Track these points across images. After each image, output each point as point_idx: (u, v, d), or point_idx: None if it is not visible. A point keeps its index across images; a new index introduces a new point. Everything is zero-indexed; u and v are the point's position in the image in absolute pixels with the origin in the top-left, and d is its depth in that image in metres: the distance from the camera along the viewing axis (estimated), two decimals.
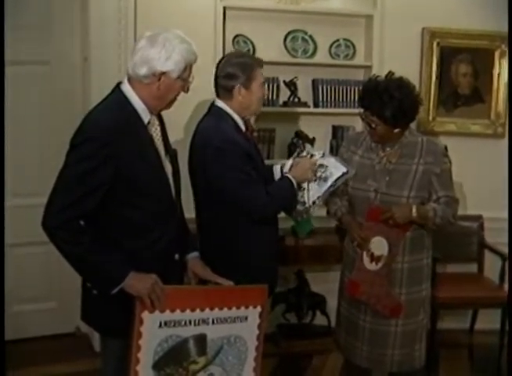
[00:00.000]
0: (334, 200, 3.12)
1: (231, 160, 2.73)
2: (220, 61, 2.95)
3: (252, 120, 3.40)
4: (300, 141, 4.31)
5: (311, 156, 2.95)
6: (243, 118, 2.90)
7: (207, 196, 2.87)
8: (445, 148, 3.12)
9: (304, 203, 2.93)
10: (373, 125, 2.90)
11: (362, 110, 2.96)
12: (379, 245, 2.93)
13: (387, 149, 2.98)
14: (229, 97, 2.85)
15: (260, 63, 2.90)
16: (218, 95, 2.91)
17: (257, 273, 2.79)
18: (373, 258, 2.94)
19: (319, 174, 2.90)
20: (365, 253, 2.96)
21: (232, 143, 2.74)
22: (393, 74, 2.98)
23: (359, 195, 3.01)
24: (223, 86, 2.86)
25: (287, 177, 2.84)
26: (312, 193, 2.90)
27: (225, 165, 2.73)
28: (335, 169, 2.90)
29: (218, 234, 2.88)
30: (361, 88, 3.03)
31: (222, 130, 2.79)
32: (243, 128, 2.89)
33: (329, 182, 2.88)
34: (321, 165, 2.91)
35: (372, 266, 2.95)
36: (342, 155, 3.10)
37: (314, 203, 2.90)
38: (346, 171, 2.89)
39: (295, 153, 3.05)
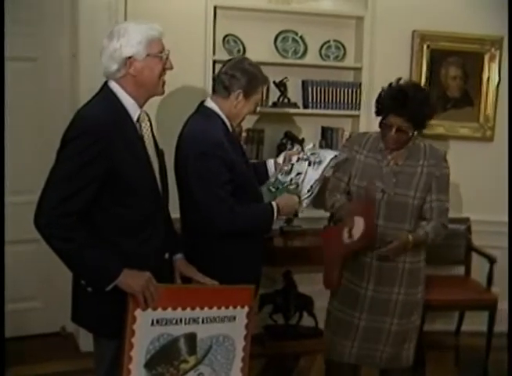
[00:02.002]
0: (334, 194, 3.14)
1: (212, 167, 2.68)
2: (230, 60, 2.92)
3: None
4: (289, 141, 4.31)
5: (302, 149, 2.99)
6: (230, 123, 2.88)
7: (192, 198, 2.84)
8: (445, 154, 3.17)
9: (297, 184, 2.92)
10: (395, 133, 2.93)
11: (382, 119, 2.98)
12: (356, 228, 2.92)
13: (394, 152, 3.03)
14: (225, 96, 2.81)
15: (266, 81, 2.92)
16: (213, 91, 2.89)
17: (241, 275, 2.78)
18: (349, 234, 2.95)
19: (312, 159, 2.93)
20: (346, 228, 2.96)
21: (218, 149, 2.69)
22: (401, 78, 3.07)
23: (364, 194, 3.03)
24: (224, 84, 2.81)
25: (271, 205, 2.80)
26: (309, 177, 2.91)
27: (204, 172, 2.69)
28: (327, 153, 2.96)
29: (202, 236, 2.84)
30: (400, 96, 2.96)
31: (211, 134, 2.74)
32: (230, 129, 2.86)
33: (324, 164, 2.91)
34: (313, 153, 2.95)
35: (345, 239, 2.95)
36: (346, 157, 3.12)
37: (312, 187, 2.90)
38: (338, 154, 2.96)
39: (287, 149, 3.07)
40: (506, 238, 4.62)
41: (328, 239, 3.09)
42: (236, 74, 2.80)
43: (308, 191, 2.91)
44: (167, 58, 2.40)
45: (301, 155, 2.97)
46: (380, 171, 3.03)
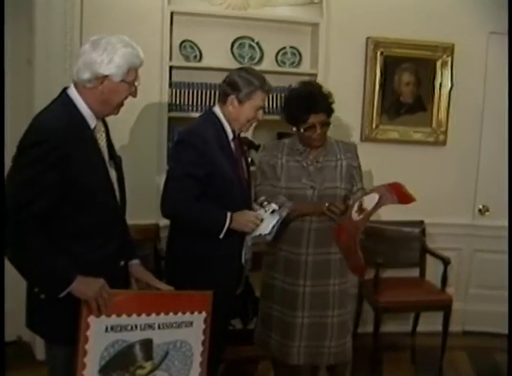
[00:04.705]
0: (277, 197, 3.20)
1: (184, 154, 2.86)
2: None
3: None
4: (246, 147, 4.32)
5: (261, 204, 3.00)
6: (233, 129, 3.00)
7: None
8: None
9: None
10: (320, 130, 3.15)
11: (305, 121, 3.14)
12: (370, 200, 3.05)
13: (313, 151, 3.25)
14: (224, 102, 2.97)
15: (265, 88, 2.99)
16: (218, 97, 3.07)
17: (220, 279, 2.89)
18: (359, 209, 3.06)
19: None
20: (357, 203, 3.08)
21: (197, 140, 2.86)
22: (291, 85, 3.43)
23: (296, 193, 3.20)
24: (223, 90, 2.99)
25: (226, 215, 2.87)
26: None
27: (176, 156, 2.94)
28: (261, 227, 2.96)
29: (182, 238, 2.99)
30: (309, 96, 3.16)
31: (197, 129, 2.93)
32: (230, 135, 2.99)
33: (250, 236, 2.98)
34: (261, 220, 2.97)
35: (355, 216, 3.07)
36: (268, 162, 3.28)
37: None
38: (265, 234, 2.95)
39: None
40: (460, 239, 4.77)
41: (340, 233, 3.15)
42: (232, 80, 2.96)
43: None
44: (136, 88, 2.43)
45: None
46: (304, 171, 3.23)
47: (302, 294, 3.23)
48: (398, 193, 3.00)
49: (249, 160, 3.45)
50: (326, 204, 3.14)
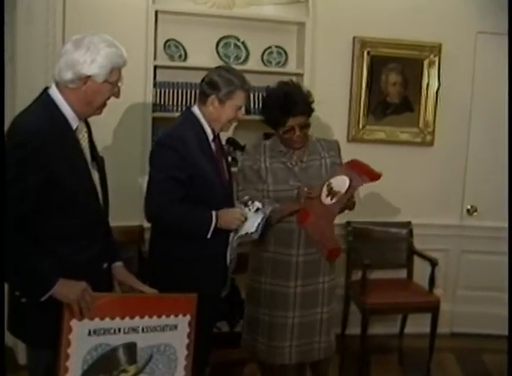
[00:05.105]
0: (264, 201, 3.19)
1: (164, 157, 2.81)
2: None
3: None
4: (231, 148, 4.29)
5: (245, 203, 2.97)
6: (212, 129, 2.95)
7: None
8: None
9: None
10: (300, 132, 3.12)
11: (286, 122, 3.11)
12: (340, 182, 3.04)
13: (296, 151, 3.20)
14: (204, 103, 2.91)
15: (245, 87, 2.95)
16: (198, 98, 3.00)
17: (203, 281, 2.83)
18: (330, 193, 3.04)
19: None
20: (325, 186, 3.06)
21: (177, 143, 2.80)
22: (269, 86, 3.34)
23: (283, 195, 3.16)
24: (202, 91, 2.93)
25: (212, 215, 2.83)
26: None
27: (157, 160, 2.86)
28: (247, 226, 2.93)
29: (164, 241, 2.95)
30: (287, 99, 3.11)
31: (176, 131, 2.87)
32: (210, 136, 2.94)
33: (236, 235, 2.95)
34: (245, 218, 2.95)
35: (326, 200, 3.05)
36: (252, 166, 3.23)
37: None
38: (251, 232, 2.92)
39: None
40: (447, 240, 4.75)
41: (306, 217, 3.10)
42: (212, 80, 2.90)
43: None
44: (119, 88, 2.39)
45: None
46: (290, 172, 3.20)
47: (293, 295, 3.21)
48: (366, 173, 3.01)
49: (229, 159, 3.45)
50: (305, 189, 3.08)
